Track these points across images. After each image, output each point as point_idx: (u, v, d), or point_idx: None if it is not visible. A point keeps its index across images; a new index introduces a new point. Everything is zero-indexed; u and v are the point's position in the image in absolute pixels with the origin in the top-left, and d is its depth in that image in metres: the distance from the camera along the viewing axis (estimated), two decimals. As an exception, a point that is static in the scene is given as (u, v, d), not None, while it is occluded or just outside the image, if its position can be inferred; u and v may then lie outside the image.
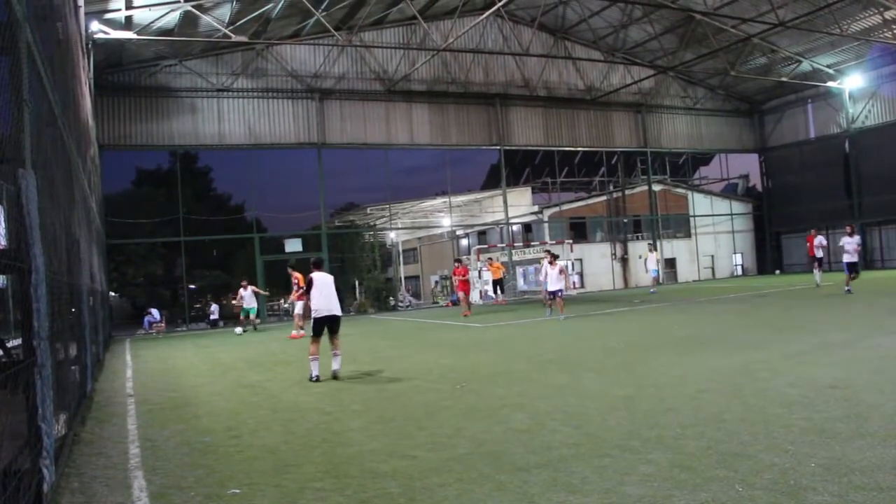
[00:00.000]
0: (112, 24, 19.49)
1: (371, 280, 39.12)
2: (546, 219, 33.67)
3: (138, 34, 20.82)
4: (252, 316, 20.50)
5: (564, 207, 34.32)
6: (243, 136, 25.67)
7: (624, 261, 34.05)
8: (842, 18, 26.28)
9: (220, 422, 6.79)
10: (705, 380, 7.08)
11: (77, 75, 10.28)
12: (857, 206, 32.43)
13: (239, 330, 20.10)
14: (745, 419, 5.29)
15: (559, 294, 16.60)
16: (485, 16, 23.02)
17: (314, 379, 8.95)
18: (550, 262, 16.68)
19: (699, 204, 36.70)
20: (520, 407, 6.43)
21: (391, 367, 10.20)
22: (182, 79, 24.78)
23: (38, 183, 3.98)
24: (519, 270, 33.55)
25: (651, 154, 34.64)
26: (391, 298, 34.55)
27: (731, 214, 37.47)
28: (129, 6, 19.19)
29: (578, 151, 34.67)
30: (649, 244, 29.62)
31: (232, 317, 27.16)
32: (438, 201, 36.68)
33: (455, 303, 27.00)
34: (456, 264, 22.48)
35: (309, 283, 9.33)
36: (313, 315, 9.26)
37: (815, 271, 20.35)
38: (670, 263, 35.14)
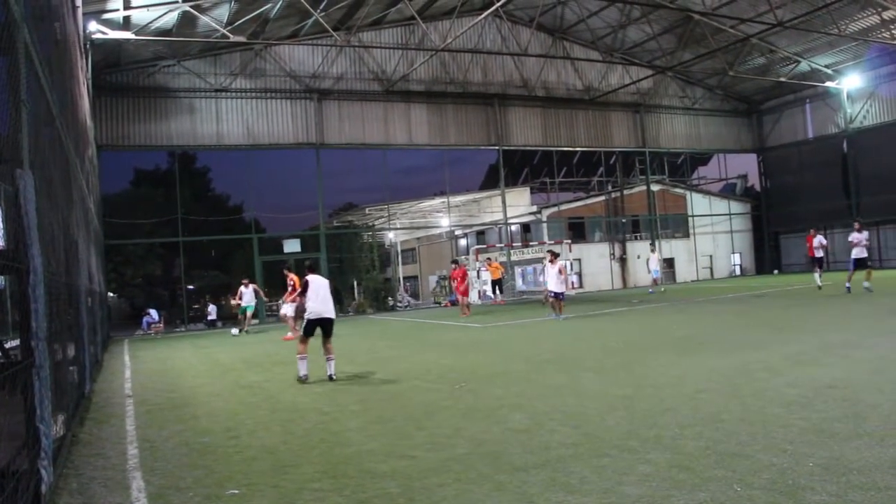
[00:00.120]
0: (110, 24, 19.48)
1: (370, 280, 39.11)
2: (544, 219, 33.68)
3: (136, 34, 20.81)
4: (248, 314, 20.37)
5: (563, 207, 34.34)
6: (242, 136, 25.66)
7: (622, 261, 34.07)
8: (840, 19, 26.31)
9: (219, 422, 6.79)
10: (704, 380, 7.09)
11: (75, 75, 10.28)
12: (855, 206, 32.46)
13: (235, 331, 20.04)
14: (744, 419, 5.30)
15: (560, 296, 16.59)
16: (483, 16, 23.04)
17: (303, 377, 8.97)
18: (550, 261, 16.75)
19: (697, 204, 36.73)
20: (518, 407, 6.43)
21: (390, 367, 10.20)
22: (180, 79, 24.76)
23: (36, 183, 3.97)
24: (517, 271, 33.58)
25: (649, 154, 34.66)
26: (390, 299, 34.56)
27: (730, 214, 37.51)
28: (127, 6, 19.18)
29: (577, 151, 34.69)
30: (651, 244, 29.55)
31: (231, 317, 27.15)
32: (437, 201, 36.70)
33: (454, 303, 26.99)
34: (453, 266, 22.30)
35: (304, 285, 9.33)
36: (307, 316, 9.26)
37: (816, 273, 20.02)
38: (669, 263, 35.16)
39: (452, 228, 39.27)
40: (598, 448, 4.80)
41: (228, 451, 5.55)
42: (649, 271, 26.02)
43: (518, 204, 36.61)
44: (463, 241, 43.00)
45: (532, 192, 39.59)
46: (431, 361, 10.48)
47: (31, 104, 4.30)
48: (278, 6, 21.99)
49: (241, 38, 22.25)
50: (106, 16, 19.19)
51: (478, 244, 35.26)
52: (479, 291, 29.71)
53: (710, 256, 37.02)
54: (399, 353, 12.28)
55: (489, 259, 29.20)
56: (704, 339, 10.78)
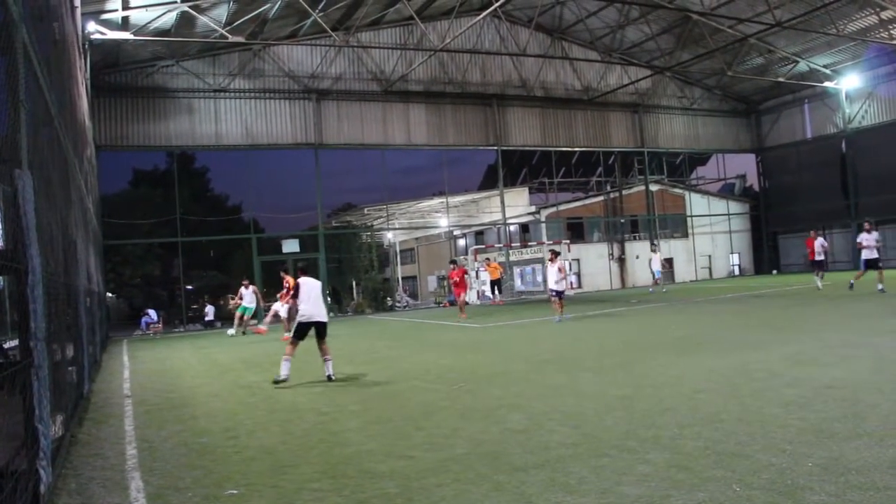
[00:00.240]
0: (109, 24, 19.47)
1: (368, 280, 39.15)
2: (543, 219, 33.69)
3: (135, 35, 20.79)
4: (247, 316, 20.36)
5: (562, 208, 34.35)
6: (240, 136, 25.64)
7: (621, 261, 34.08)
8: (838, 19, 26.34)
9: (218, 422, 6.79)
10: (703, 380, 7.09)
11: (74, 76, 10.27)
12: (853, 206, 32.51)
13: (231, 331, 19.88)
14: (743, 419, 5.30)
15: (561, 295, 16.56)
16: (482, 16, 23.04)
17: (281, 379, 8.81)
18: (550, 259, 16.77)
19: (696, 204, 36.75)
20: (517, 407, 6.43)
21: (389, 367, 10.19)
22: (179, 79, 24.75)
23: (34, 183, 3.97)
24: (516, 271, 33.59)
25: (648, 154, 34.67)
26: (388, 299, 34.57)
27: (728, 214, 37.53)
28: (125, 7, 19.17)
29: (575, 151, 34.68)
30: (653, 244, 29.52)
31: (230, 318, 27.07)
32: (436, 201, 36.70)
33: (452, 303, 27.00)
34: (452, 266, 22.26)
35: (296, 288, 9.27)
36: (299, 319, 9.17)
37: (816, 276, 19.81)
38: (667, 263, 35.17)
39: (451, 229, 39.30)
40: (597, 448, 4.80)
41: (227, 451, 5.55)
42: (651, 271, 26.02)
43: (517, 204, 36.62)
44: (462, 242, 43.02)
45: (531, 193, 39.60)
46: (430, 362, 10.48)
47: (30, 104, 4.29)
48: (277, 6, 21.98)
49: (240, 39, 22.24)
50: (104, 16, 19.18)
51: (476, 244, 35.27)
52: (478, 292, 29.71)
53: (709, 256, 37.03)
54: (398, 353, 12.27)
55: (488, 259, 29.21)
56: (703, 339, 10.78)
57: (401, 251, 51.23)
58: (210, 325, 27.18)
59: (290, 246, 27.62)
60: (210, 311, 28.34)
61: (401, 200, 37.47)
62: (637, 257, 33.94)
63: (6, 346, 5.96)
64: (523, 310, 22.01)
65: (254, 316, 21.14)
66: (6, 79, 3.73)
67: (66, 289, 6.46)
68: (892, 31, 27.34)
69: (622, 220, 34.33)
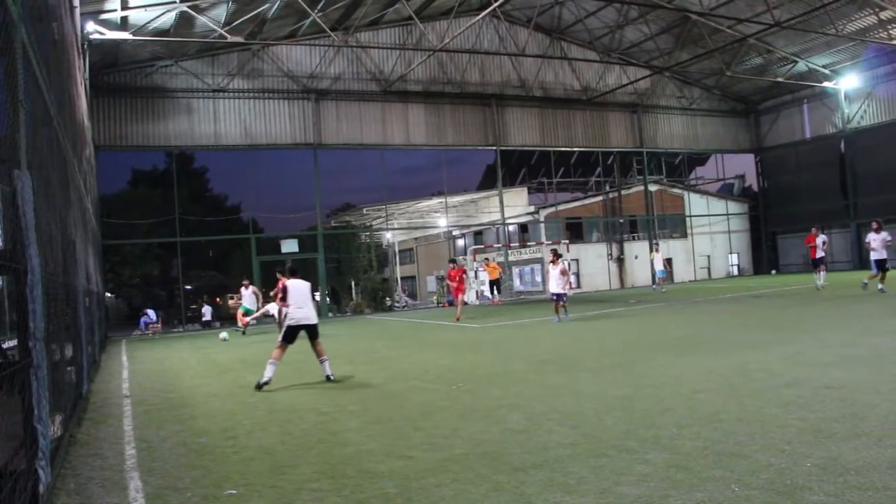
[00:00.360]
0: (108, 24, 19.46)
1: (367, 280, 39.16)
2: (542, 219, 33.70)
3: (134, 35, 20.78)
4: (247, 317, 20.29)
5: (561, 208, 34.36)
6: (239, 136, 25.64)
7: (620, 261, 34.09)
8: (837, 19, 26.36)
9: (217, 422, 6.78)
10: (702, 380, 7.09)
11: (73, 76, 10.27)
12: (852, 206, 32.55)
13: (224, 335, 19.00)
14: (742, 419, 5.30)
15: (562, 298, 16.12)
16: (481, 16, 23.05)
17: (263, 383, 8.57)
18: (552, 261, 16.31)
19: (695, 204, 36.77)
20: (516, 407, 6.43)
21: (388, 367, 10.19)
22: (178, 79, 24.74)
23: (33, 184, 3.97)
24: (515, 271, 33.59)
25: (647, 154, 34.68)
26: (387, 299, 34.57)
27: (728, 215, 37.54)
28: (124, 7, 19.16)
29: (574, 152, 34.71)
30: (655, 244, 29.46)
31: (228, 318, 27.15)
32: (435, 202, 36.72)
33: (451, 303, 26.99)
34: (451, 265, 22.20)
35: (284, 291, 9.14)
36: (287, 322, 9.00)
37: (816, 274, 19.70)
38: (667, 263, 35.17)
39: (450, 229, 39.31)
40: (596, 448, 4.80)
41: (226, 451, 5.55)
42: (654, 271, 26.00)
43: (516, 204, 36.63)
44: (461, 242, 43.02)
45: (530, 193, 39.62)
46: (429, 362, 10.47)
47: (29, 104, 4.29)
48: (276, 6, 21.98)
49: (239, 39, 22.23)
50: (103, 16, 19.16)
51: (475, 244, 35.28)
52: (478, 292, 29.71)
53: (708, 256, 37.05)
54: (397, 353, 12.27)
55: (487, 259, 29.21)
56: (702, 339, 10.79)
57: (400, 251, 51.24)
58: (207, 325, 27.16)
59: (289, 246, 27.62)
60: (207, 311, 28.33)
61: (400, 200, 37.49)
62: (636, 257, 33.96)
63: (5, 346, 5.96)
64: (522, 310, 22.01)
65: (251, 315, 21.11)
66: (5, 79, 3.73)
67: (64, 289, 6.46)
68: (890, 32, 27.37)
69: (621, 221, 34.34)
